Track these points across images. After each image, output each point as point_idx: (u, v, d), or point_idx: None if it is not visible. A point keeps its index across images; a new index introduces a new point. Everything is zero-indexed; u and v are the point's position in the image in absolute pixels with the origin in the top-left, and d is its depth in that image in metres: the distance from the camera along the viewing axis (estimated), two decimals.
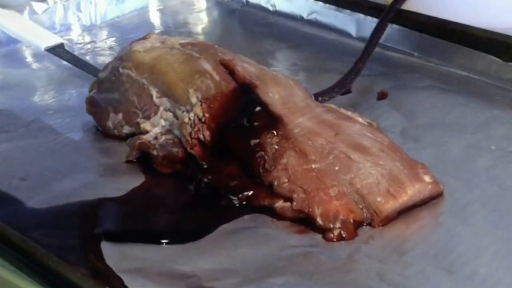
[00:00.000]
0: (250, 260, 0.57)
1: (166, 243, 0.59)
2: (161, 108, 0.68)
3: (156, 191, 0.65)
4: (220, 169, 0.63)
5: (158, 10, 0.96)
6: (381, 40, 0.80)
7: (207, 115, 0.64)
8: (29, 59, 0.86)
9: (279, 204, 0.61)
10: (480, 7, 0.84)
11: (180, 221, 0.62)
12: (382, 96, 0.76)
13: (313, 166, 0.61)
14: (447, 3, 0.85)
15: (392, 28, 0.83)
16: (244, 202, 0.62)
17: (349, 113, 0.67)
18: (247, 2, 0.96)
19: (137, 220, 0.62)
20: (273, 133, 0.63)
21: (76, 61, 0.82)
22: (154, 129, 0.68)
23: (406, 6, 0.84)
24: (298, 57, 0.86)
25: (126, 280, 0.55)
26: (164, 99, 0.68)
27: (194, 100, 0.65)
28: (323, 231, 0.59)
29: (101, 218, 0.62)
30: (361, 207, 0.60)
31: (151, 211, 0.63)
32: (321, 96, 0.72)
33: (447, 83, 0.78)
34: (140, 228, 0.61)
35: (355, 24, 0.87)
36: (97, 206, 0.63)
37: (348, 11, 0.88)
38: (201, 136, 0.64)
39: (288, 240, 0.59)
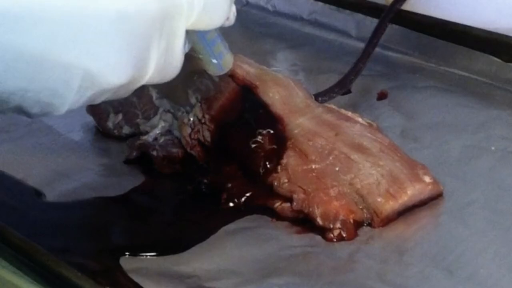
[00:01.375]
0: (250, 260, 0.57)
1: (166, 254, 0.58)
2: (161, 109, 0.68)
3: (156, 192, 0.65)
4: (220, 169, 0.63)
5: None
6: (381, 40, 0.80)
7: (206, 116, 0.64)
8: None
9: (279, 204, 0.61)
10: (480, 7, 0.84)
11: (180, 224, 0.61)
12: (382, 96, 0.77)
13: (313, 166, 0.61)
14: (447, 3, 0.85)
15: (392, 28, 0.83)
16: (244, 203, 0.62)
17: (349, 113, 0.67)
18: (247, 2, 0.96)
19: (136, 226, 0.61)
20: (273, 133, 0.63)
21: None
22: (154, 129, 0.68)
23: (406, 6, 0.84)
24: (298, 57, 0.86)
25: None
26: (164, 100, 0.68)
27: (193, 101, 0.65)
28: (323, 231, 0.59)
29: (101, 220, 0.62)
30: (361, 207, 0.60)
31: (150, 212, 0.63)
32: (321, 96, 0.72)
33: (447, 83, 0.78)
34: (140, 236, 0.60)
35: (355, 24, 0.87)
36: (96, 207, 0.63)
37: (348, 11, 0.88)
38: (200, 137, 0.64)
39: (288, 240, 0.59)
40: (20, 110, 0.48)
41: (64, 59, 0.46)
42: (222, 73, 0.58)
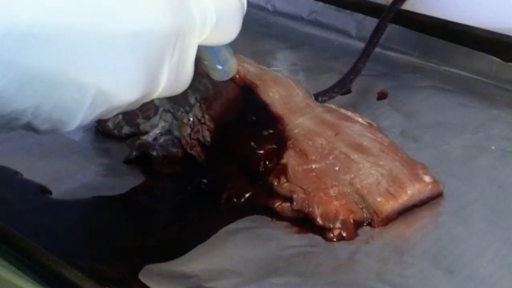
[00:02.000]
0: (250, 260, 0.57)
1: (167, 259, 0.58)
2: (161, 109, 0.68)
3: (156, 192, 0.65)
4: (220, 169, 0.63)
5: None
6: (381, 40, 0.80)
7: (206, 115, 0.64)
8: None
9: (279, 204, 0.61)
10: (480, 7, 0.84)
11: (179, 225, 0.61)
12: (382, 96, 0.77)
13: (313, 166, 0.61)
14: (447, 3, 0.85)
15: (392, 28, 0.83)
16: (244, 203, 0.62)
17: (349, 113, 0.67)
18: (247, 2, 0.95)
19: (136, 228, 0.61)
20: (273, 133, 0.63)
21: None
22: (154, 129, 0.68)
23: (406, 6, 0.84)
24: (298, 57, 0.86)
25: None
26: (164, 100, 0.68)
27: (192, 100, 0.65)
28: (323, 231, 0.59)
29: (100, 221, 0.62)
30: (361, 207, 0.60)
31: (150, 212, 0.63)
32: (321, 96, 0.72)
33: (447, 83, 0.78)
34: (139, 242, 0.60)
35: (355, 24, 0.87)
36: (96, 207, 0.63)
37: (348, 11, 0.88)
38: (200, 137, 0.64)
39: (288, 240, 0.59)
40: (30, 127, 0.47)
41: (78, 78, 0.46)
42: (226, 78, 0.59)
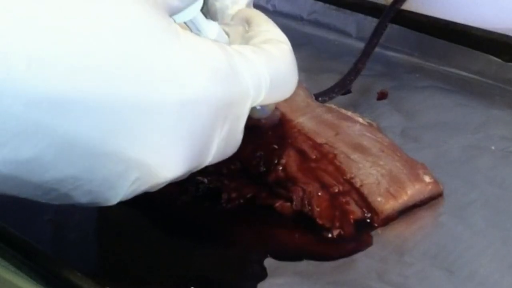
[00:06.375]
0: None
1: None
2: None
3: (155, 192, 0.65)
4: (220, 169, 0.63)
5: None
6: (381, 40, 0.80)
7: None
8: None
9: (279, 204, 0.61)
10: (480, 7, 0.84)
11: (180, 227, 0.61)
12: (382, 96, 0.77)
13: (313, 165, 0.61)
14: (447, 3, 0.85)
15: (392, 28, 0.83)
16: (244, 203, 0.62)
17: (349, 113, 0.67)
18: None
19: (135, 230, 0.61)
20: (273, 132, 0.63)
21: None
22: None
23: (406, 6, 0.84)
24: (298, 57, 0.85)
25: None
26: None
27: None
28: (323, 231, 0.59)
29: (98, 220, 0.62)
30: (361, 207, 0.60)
31: (149, 213, 0.63)
32: (321, 96, 0.72)
33: (447, 83, 0.78)
34: (139, 243, 0.60)
35: (355, 24, 0.87)
36: (95, 208, 0.63)
37: (348, 11, 0.88)
38: None
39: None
40: (69, 199, 0.45)
41: (120, 150, 0.43)
42: (265, 116, 0.58)
